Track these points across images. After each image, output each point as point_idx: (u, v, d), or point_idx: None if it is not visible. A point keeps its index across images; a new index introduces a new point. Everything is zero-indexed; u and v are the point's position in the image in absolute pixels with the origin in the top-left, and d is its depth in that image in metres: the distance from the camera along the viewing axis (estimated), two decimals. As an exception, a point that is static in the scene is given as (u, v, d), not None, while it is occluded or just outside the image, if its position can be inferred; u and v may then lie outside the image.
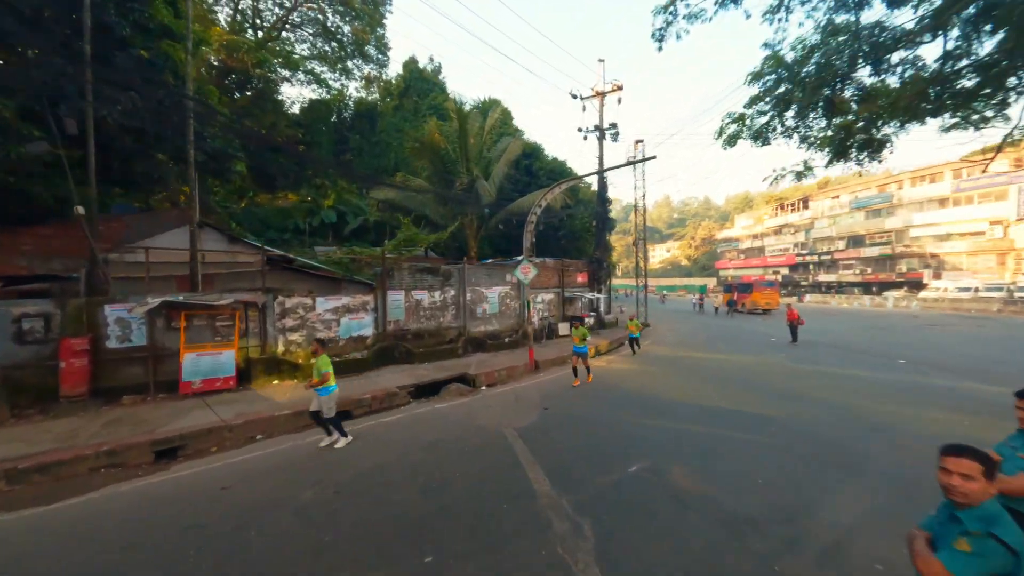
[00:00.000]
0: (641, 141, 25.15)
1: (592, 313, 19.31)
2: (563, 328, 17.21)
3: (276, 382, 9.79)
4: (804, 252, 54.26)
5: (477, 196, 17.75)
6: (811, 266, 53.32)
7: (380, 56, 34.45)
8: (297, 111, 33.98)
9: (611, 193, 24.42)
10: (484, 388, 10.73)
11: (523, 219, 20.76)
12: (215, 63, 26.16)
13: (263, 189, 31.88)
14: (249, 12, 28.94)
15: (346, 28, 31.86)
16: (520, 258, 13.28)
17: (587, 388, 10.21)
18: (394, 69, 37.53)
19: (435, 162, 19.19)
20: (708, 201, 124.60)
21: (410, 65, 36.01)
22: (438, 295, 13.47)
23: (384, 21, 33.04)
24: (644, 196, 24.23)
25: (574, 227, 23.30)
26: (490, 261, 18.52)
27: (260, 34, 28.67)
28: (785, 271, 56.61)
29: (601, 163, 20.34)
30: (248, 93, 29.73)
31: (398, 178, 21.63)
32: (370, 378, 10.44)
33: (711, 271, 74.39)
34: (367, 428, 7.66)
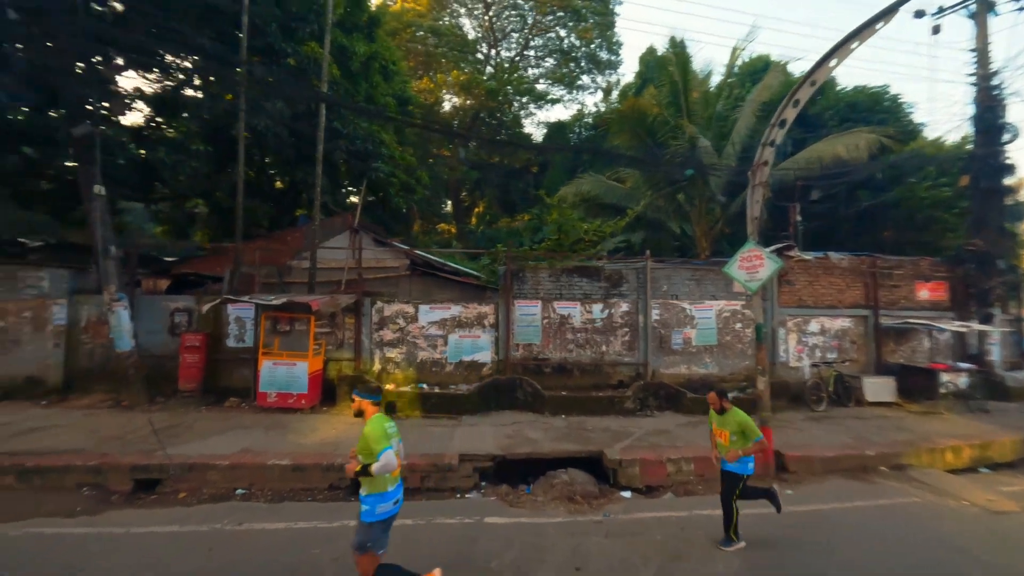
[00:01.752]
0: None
1: (967, 365, 9.16)
2: (872, 388, 8.62)
3: (357, 409, 7.74)
4: None
5: (699, 166, 11.65)
6: None
7: (612, 58, 31.94)
8: (540, 136, 35.61)
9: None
10: (628, 495, 5.37)
11: (792, 197, 12.66)
12: (468, 103, 30.08)
13: (505, 212, 34.67)
14: (493, 54, 32.18)
15: (576, 40, 31.06)
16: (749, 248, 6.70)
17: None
18: (631, 67, 34.33)
19: (638, 133, 14.24)
20: None
21: (647, 57, 31.71)
22: (598, 310, 8.69)
23: (614, 17, 30.46)
24: None
25: (909, 200, 12.55)
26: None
27: (500, 71, 31.14)
28: None
29: (983, 55, 9.96)
30: (503, 131, 33.05)
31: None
32: (462, 426, 6.95)
33: None
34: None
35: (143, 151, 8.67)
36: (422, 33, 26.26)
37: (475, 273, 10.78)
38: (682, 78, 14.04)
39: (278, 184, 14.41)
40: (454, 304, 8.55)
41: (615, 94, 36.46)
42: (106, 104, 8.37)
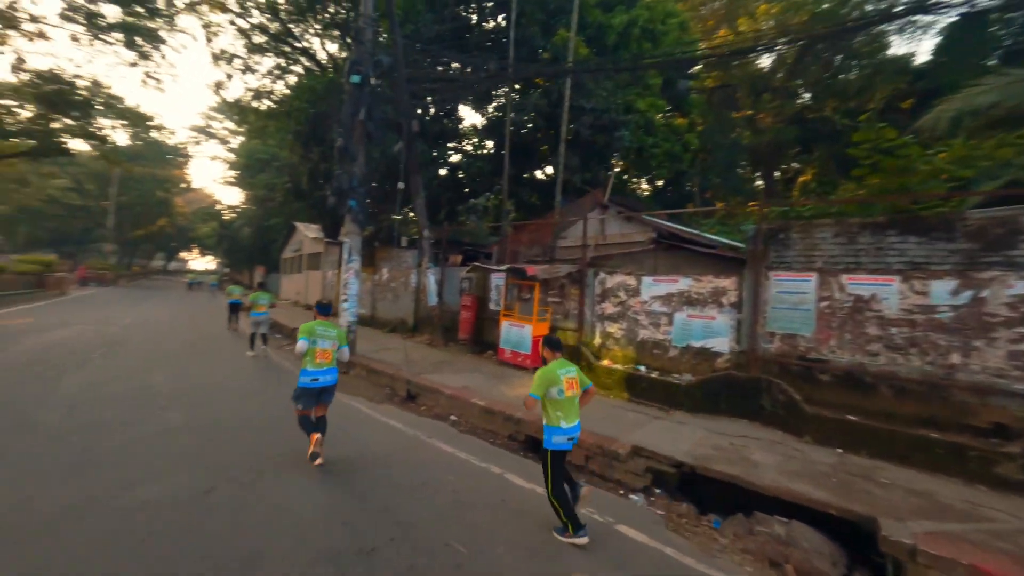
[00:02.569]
0: None
1: None
2: None
3: (571, 378, 7.77)
4: None
5: None
6: None
7: None
8: (930, 50, 23.85)
9: None
10: (913, 614, 2.92)
11: None
12: (791, 43, 23.62)
13: (848, 177, 25.39)
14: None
15: None
16: None
17: None
18: None
19: None
20: None
21: None
22: (944, 291, 4.98)
23: None
24: None
25: None
26: None
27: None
28: None
29: None
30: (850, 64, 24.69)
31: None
32: (666, 420, 5.78)
33: None
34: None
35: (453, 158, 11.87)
36: (724, -19, 22.74)
37: (735, 243, 8.52)
38: None
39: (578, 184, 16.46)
40: (683, 276, 7.07)
41: None
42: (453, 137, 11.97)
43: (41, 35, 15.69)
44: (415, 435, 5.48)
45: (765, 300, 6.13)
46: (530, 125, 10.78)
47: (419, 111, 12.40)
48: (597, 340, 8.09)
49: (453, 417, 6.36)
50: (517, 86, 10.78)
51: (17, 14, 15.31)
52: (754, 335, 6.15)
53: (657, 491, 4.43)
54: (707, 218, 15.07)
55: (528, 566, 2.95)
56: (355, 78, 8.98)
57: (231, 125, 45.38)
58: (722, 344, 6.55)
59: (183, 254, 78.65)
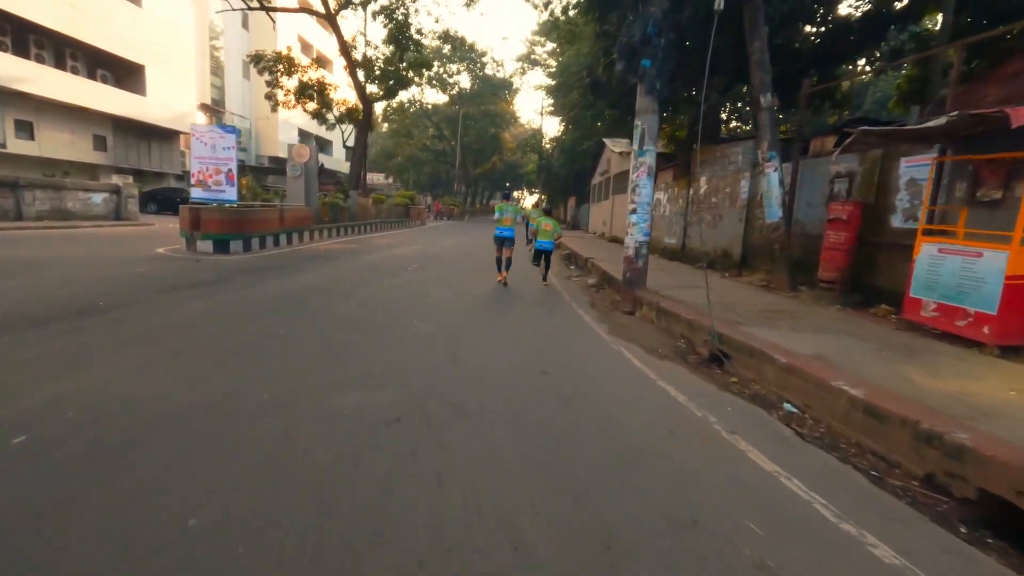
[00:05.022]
0: None
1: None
2: None
3: None
4: None
5: None
6: None
7: None
8: None
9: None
10: None
11: None
12: None
13: None
14: None
15: None
16: None
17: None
18: None
19: None
20: None
21: None
22: None
23: None
24: None
25: None
26: None
27: None
28: None
29: None
30: None
31: None
32: None
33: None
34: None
35: None
36: None
37: None
38: None
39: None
40: None
41: None
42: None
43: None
44: (702, 416, 3.74)
45: None
46: None
47: None
48: None
49: (789, 405, 4.14)
50: None
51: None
52: None
53: None
54: None
55: None
56: None
57: (552, 46, 51.31)
58: None
59: (515, 193, 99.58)
